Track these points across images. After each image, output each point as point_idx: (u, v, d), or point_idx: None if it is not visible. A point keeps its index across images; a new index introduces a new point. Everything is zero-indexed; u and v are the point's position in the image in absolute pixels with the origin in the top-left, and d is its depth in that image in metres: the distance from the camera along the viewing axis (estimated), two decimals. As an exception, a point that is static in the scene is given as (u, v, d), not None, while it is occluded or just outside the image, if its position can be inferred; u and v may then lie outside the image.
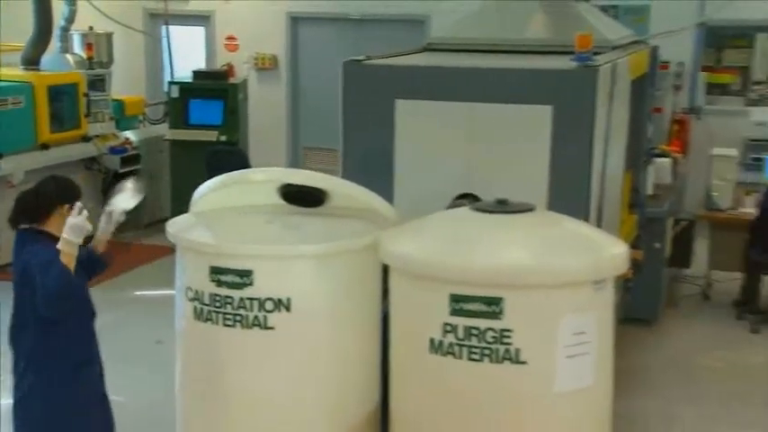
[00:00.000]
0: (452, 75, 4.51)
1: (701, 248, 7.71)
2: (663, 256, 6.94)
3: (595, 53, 4.68)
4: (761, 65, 10.65)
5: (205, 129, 9.24)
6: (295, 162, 11.55)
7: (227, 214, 3.94)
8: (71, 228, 3.52)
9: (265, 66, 11.20)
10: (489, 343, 3.14)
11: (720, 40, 10.32)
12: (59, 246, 3.53)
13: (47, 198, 3.79)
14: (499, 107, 4.31)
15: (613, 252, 3.34)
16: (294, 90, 11.47)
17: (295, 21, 11.32)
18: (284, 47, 11.33)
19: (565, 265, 3.18)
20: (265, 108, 11.00)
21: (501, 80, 4.36)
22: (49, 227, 3.74)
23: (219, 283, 3.48)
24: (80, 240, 3.58)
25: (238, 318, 3.48)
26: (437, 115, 4.44)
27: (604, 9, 7.38)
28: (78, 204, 3.63)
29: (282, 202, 3.95)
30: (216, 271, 3.49)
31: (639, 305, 6.66)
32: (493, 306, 3.13)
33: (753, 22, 9.70)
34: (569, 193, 4.17)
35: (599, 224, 4.45)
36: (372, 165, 4.48)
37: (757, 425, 5.41)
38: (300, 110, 11.50)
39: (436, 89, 4.42)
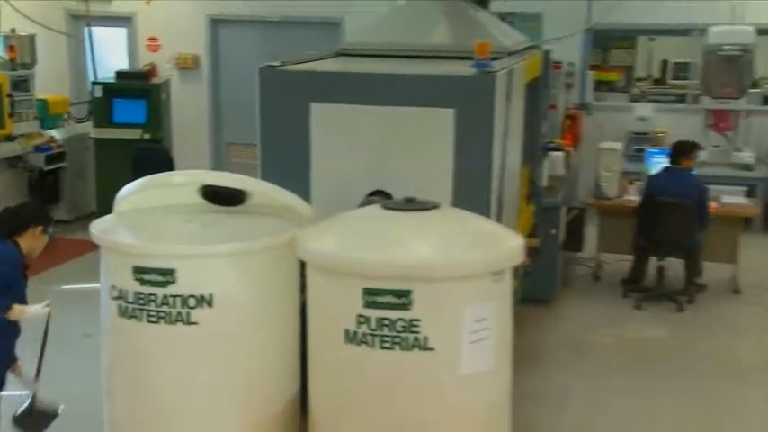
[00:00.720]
0: (363, 80, 4.49)
1: (591, 233, 7.89)
2: (558, 241, 7.08)
3: (494, 59, 4.74)
4: (642, 64, 11.01)
5: (129, 127, 9.04)
6: (218, 157, 11.39)
7: (149, 215, 3.87)
8: (32, 313, 3.93)
9: (187, 65, 10.98)
10: (399, 332, 3.18)
11: (606, 41, 10.62)
12: (14, 314, 3.85)
13: (24, 218, 4.10)
14: (407, 110, 4.32)
15: (510, 245, 3.41)
16: (215, 89, 11.29)
17: (215, 22, 11.14)
18: (205, 47, 11.14)
19: (467, 258, 3.23)
20: (188, 106, 10.80)
21: (408, 85, 4.38)
22: (21, 241, 4.02)
23: (143, 282, 3.43)
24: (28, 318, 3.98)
25: (162, 314, 3.43)
26: (350, 118, 4.43)
27: (502, 16, 7.46)
28: (48, 303, 3.97)
29: (203, 201, 3.90)
30: (139, 270, 3.43)
31: (538, 287, 6.81)
32: (403, 298, 3.16)
33: (635, 25, 10.02)
34: (472, 190, 4.22)
35: (499, 217, 4.52)
36: (290, 165, 4.44)
37: (643, 393, 5.52)
38: (222, 107, 11.32)
39: (348, 93, 4.41)
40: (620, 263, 7.57)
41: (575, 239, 7.68)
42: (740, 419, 5.25)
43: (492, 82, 4.23)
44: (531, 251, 6.21)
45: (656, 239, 7.08)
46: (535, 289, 6.74)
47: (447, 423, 3.30)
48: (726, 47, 8.89)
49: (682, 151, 7.23)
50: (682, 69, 10.35)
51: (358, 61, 5.16)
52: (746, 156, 9.18)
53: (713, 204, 7.39)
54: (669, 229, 6.93)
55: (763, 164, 9.27)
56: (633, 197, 7.56)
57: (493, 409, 3.44)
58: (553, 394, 5.48)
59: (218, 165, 11.49)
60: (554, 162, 7.36)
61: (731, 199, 7.67)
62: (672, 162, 7.26)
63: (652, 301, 7.09)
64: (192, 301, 3.43)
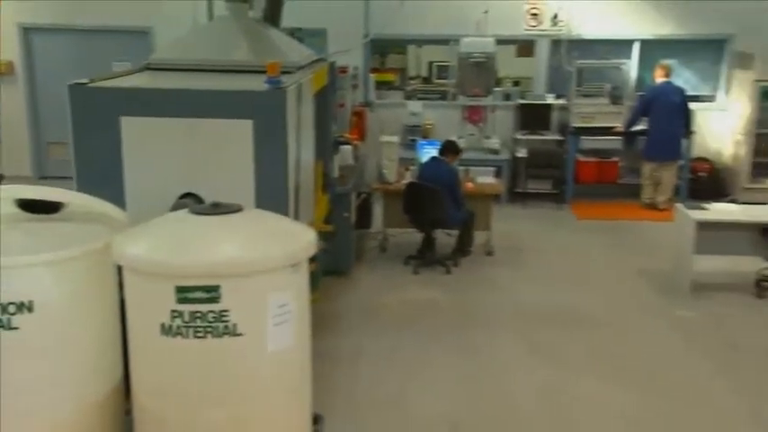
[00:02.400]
0: (169, 95, 4.29)
1: (377, 212, 8.12)
2: (350, 222, 7.22)
3: (287, 72, 4.71)
4: (414, 66, 11.39)
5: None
6: (38, 156, 10.59)
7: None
8: None
9: (2, 72, 10.06)
10: (210, 322, 3.11)
11: (383, 48, 10.88)
12: None
13: None
14: (210, 122, 4.18)
15: (305, 240, 3.42)
16: (32, 92, 10.45)
17: (27, 30, 10.23)
18: (19, 54, 10.22)
19: (267, 255, 3.21)
20: (7, 109, 9.97)
21: (210, 99, 4.23)
22: None
23: (-37, 293, 3.11)
24: None
25: (-17, 322, 3.13)
26: (159, 129, 4.21)
27: (291, 32, 7.41)
28: None
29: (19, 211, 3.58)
30: (-41, 281, 3.11)
31: (336, 261, 6.95)
32: (212, 293, 3.10)
33: (404, 36, 10.35)
34: (271, 191, 4.17)
35: (297, 211, 4.52)
36: (104, 174, 4.17)
37: (422, 346, 5.74)
38: (41, 109, 10.49)
39: (156, 107, 4.19)
40: (402, 235, 7.86)
41: (364, 219, 7.87)
42: (496, 360, 5.57)
43: (283, 96, 4.19)
44: (329, 234, 6.34)
45: (418, 216, 7.40)
46: (334, 263, 6.88)
47: (258, 396, 3.28)
48: (474, 54, 9.41)
49: (450, 149, 7.60)
50: (443, 71, 10.77)
51: (165, 75, 4.92)
52: (494, 142, 9.79)
53: (469, 184, 7.85)
54: (426, 207, 7.28)
55: (507, 148, 9.94)
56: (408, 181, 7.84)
57: (297, 378, 3.46)
58: (348, 353, 5.56)
59: (39, 162, 10.67)
60: (344, 154, 7.47)
61: (484, 179, 8.17)
62: (440, 154, 7.61)
63: (427, 267, 7.38)
64: (12, 308, 3.16)
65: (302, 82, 4.78)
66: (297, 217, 4.50)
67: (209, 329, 3.13)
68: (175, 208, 3.91)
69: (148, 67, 5.11)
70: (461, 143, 9.20)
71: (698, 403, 4.95)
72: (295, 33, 7.79)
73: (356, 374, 5.27)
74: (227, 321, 3.13)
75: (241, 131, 4.16)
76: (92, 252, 3.38)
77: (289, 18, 6.76)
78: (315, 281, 5.74)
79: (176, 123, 4.21)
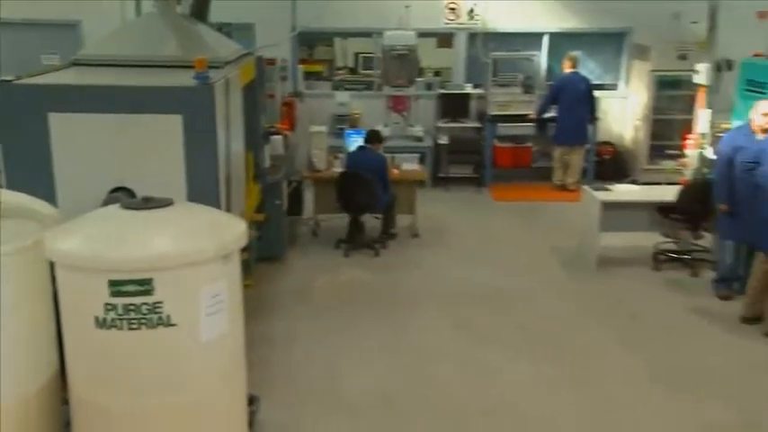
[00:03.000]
0: (97, 91, 4.13)
1: (308, 199, 8.07)
2: (283, 209, 7.14)
3: (215, 67, 4.61)
4: (339, 58, 11.30)
5: None
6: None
7: None
8: None
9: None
10: (144, 314, 3.05)
11: (311, 40, 10.74)
12: None
13: None
14: (141, 117, 4.05)
15: (236, 231, 3.37)
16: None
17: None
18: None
19: (199, 247, 3.14)
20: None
21: (140, 95, 4.10)
22: None
23: None
24: None
25: None
26: (88, 125, 4.05)
27: (219, 27, 7.24)
28: None
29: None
30: None
31: (270, 247, 6.88)
32: (145, 286, 3.03)
33: (331, 29, 10.26)
34: (202, 184, 4.08)
35: (229, 202, 4.45)
36: (34, 171, 4.00)
37: (353, 325, 5.76)
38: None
39: (84, 104, 4.03)
40: (332, 220, 7.84)
41: (296, 205, 7.82)
42: (423, 335, 5.67)
43: (211, 91, 4.09)
44: (261, 222, 6.27)
45: (351, 203, 7.40)
46: (268, 249, 6.81)
47: (194, 382, 3.24)
48: (397, 47, 9.42)
49: (375, 138, 7.61)
50: (369, 62, 10.71)
51: (92, 71, 4.73)
52: (417, 130, 9.83)
53: (395, 171, 7.89)
54: (359, 194, 7.29)
55: (430, 136, 10.02)
56: (338, 169, 7.81)
57: (231, 363, 3.43)
58: (282, 335, 5.54)
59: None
60: (275, 144, 7.38)
61: (409, 165, 8.22)
62: (366, 142, 7.61)
63: (356, 250, 7.39)
64: (-56, 307, 3.02)
65: (230, 76, 4.68)
66: (228, 208, 4.44)
67: (143, 321, 3.07)
68: (107, 203, 3.80)
69: (76, 63, 4.91)
70: (387, 132, 9.29)
71: (601, 367, 5.16)
72: (223, 28, 7.59)
73: (290, 355, 5.25)
74: (160, 313, 3.08)
75: (171, 126, 4.06)
76: (23, 249, 3.25)
77: (217, 13, 6.60)
78: (248, 267, 5.68)
79: (105, 119, 4.06)
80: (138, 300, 3.04)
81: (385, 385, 4.89)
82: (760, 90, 6.72)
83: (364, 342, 5.49)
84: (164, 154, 4.09)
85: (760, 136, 5.69)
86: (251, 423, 4.02)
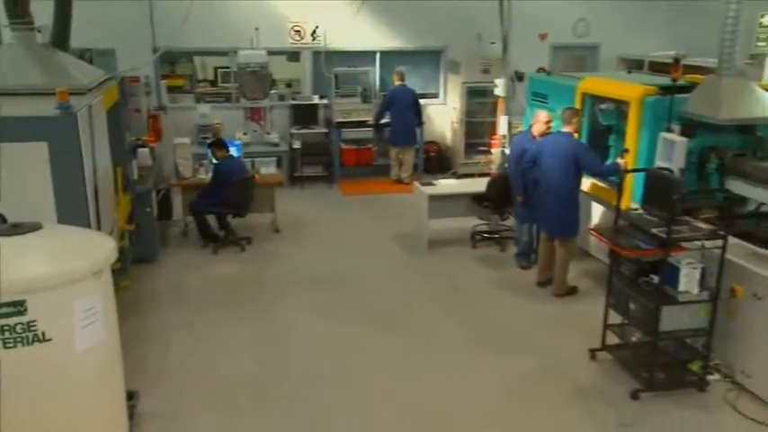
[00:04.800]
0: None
1: (177, 203, 7.78)
2: (153, 215, 6.86)
3: (78, 93, 4.33)
4: (199, 72, 10.90)
5: None
6: None
7: None
8: None
9: None
10: (19, 333, 2.86)
11: (173, 57, 10.27)
12: None
13: None
14: (7, 146, 3.74)
15: (106, 249, 3.23)
16: None
17: None
18: None
19: (70, 268, 2.99)
20: None
21: (5, 125, 3.77)
22: None
23: None
24: None
25: None
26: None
27: (81, 53, 6.73)
28: None
29: None
30: None
31: (144, 250, 6.60)
32: (18, 307, 2.84)
33: (190, 48, 9.87)
34: (71, 205, 3.85)
35: (99, 219, 4.22)
36: None
37: (226, 318, 5.63)
38: None
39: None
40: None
41: (165, 211, 7.52)
42: (285, 321, 5.66)
43: (74, 119, 3.86)
44: (132, 231, 5.97)
45: (232, 203, 7.21)
46: (142, 252, 6.54)
47: (73, 389, 3.08)
48: (250, 64, 9.27)
49: (220, 146, 7.43)
50: (227, 76, 10.45)
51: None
52: (273, 137, 9.78)
53: (257, 175, 7.80)
54: (241, 196, 7.17)
55: (285, 141, 9.98)
56: (203, 176, 7.61)
57: (108, 366, 3.30)
58: (157, 330, 5.34)
59: None
60: (142, 156, 7.05)
61: (267, 169, 8.16)
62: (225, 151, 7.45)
63: (224, 247, 7.25)
64: None
65: (93, 102, 4.42)
66: (99, 223, 4.22)
67: (18, 339, 2.88)
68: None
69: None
70: (246, 139, 9.15)
71: (431, 336, 5.42)
72: (84, 54, 7.07)
73: (166, 349, 5.09)
74: (35, 330, 2.90)
75: (37, 153, 3.79)
76: None
77: (77, 39, 6.13)
78: (124, 270, 5.42)
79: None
80: (12, 320, 2.84)
81: (253, 368, 4.87)
82: (542, 100, 7.40)
83: (233, 330, 5.42)
84: (32, 179, 3.81)
85: (537, 140, 6.31)
86: (131, 416, 3.89)
